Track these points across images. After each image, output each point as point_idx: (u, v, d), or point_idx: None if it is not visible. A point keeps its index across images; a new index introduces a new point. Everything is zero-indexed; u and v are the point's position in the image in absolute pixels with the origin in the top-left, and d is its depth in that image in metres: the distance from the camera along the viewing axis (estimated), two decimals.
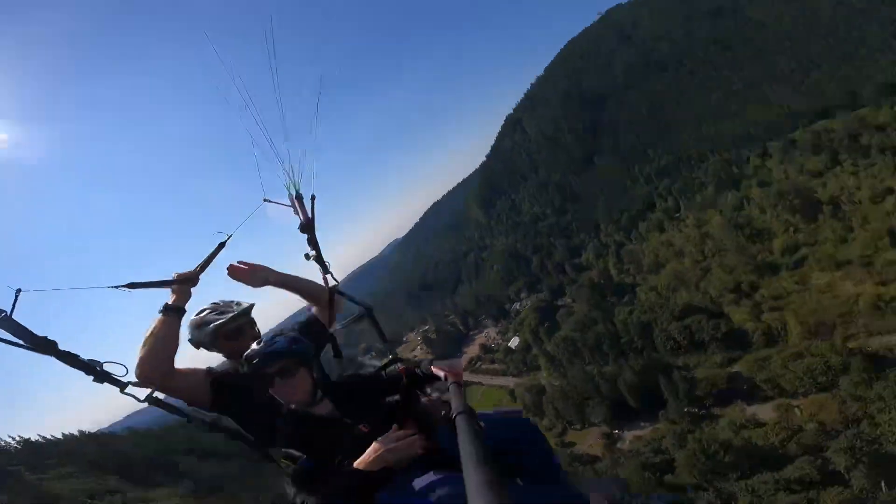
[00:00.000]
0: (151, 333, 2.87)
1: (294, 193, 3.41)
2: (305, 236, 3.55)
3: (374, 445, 2.28)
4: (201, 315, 3.44)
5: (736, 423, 55.87)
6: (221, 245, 3.34)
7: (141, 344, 2.86)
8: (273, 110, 3.30)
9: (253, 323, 3.58)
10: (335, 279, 3.80)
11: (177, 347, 3.00)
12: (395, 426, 2.48)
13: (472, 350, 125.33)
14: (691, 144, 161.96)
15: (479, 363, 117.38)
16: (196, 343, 3.43)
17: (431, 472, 2.21)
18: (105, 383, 2.68)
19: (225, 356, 3.48)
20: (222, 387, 3.21)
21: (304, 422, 2.65)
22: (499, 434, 2.57)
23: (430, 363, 2.83)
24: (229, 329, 3.42)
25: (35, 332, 2.44)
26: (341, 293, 3.87)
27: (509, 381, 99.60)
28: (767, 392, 58.86)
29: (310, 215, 4.02)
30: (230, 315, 3.41)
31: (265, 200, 3.45)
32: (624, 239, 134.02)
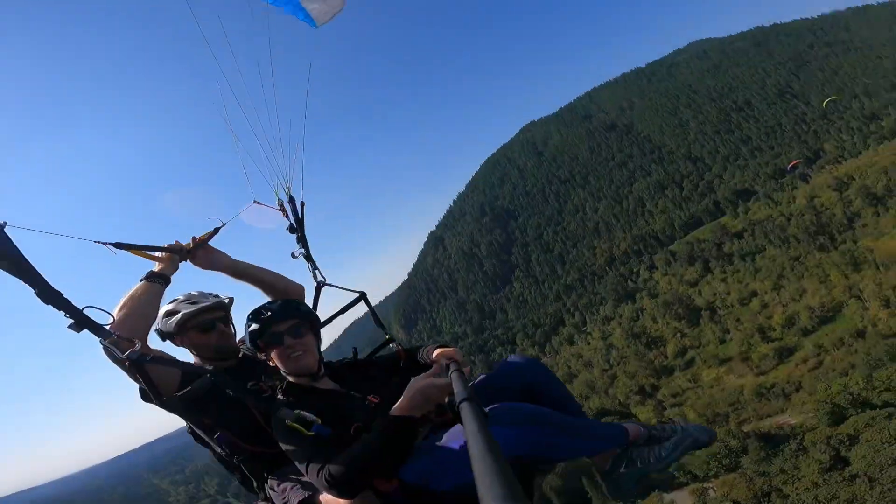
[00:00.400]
0: (131, 297, 2.78)
1: (287, 197, 3.76)
2: (290, 243, 3.95)
3: (411, 385, 2.22)
4: (173, 303, 3.25)
5: None
6: (216, 230, 3.46)
7: (118, 306, 2.73)
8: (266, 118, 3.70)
9: (228, 319, 3.40)
10: (322, 275, 3.88)
11: (155, 317, 2.95)
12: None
13: None
14: (593, 260, 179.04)
15: None
16: (163, 333, 3.21)
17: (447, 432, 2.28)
18: (84, 330, 2.43)
19: (193, 351, 3.27)
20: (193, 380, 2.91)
21: (310, 394, 2.62)
22: (519, 378, 2.66)
23: (433, 349, 2.81)
24: (201, 321, 3.22)
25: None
26: (331, 284, 3.93)
27: None
28: (681, 479, 61.97)
29: (299, 216, 4.26)
30: (202, 305, 3.21)
31: (255, 203, 3.69)
32: (539, 353, 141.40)
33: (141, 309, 2.77)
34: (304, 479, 2.51)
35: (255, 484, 3.09)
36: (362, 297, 3.83)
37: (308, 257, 3.97)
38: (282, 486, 2.85)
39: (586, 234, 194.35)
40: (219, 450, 3.07)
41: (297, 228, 3.97)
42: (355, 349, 3.34)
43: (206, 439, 3.07)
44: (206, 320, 3.21)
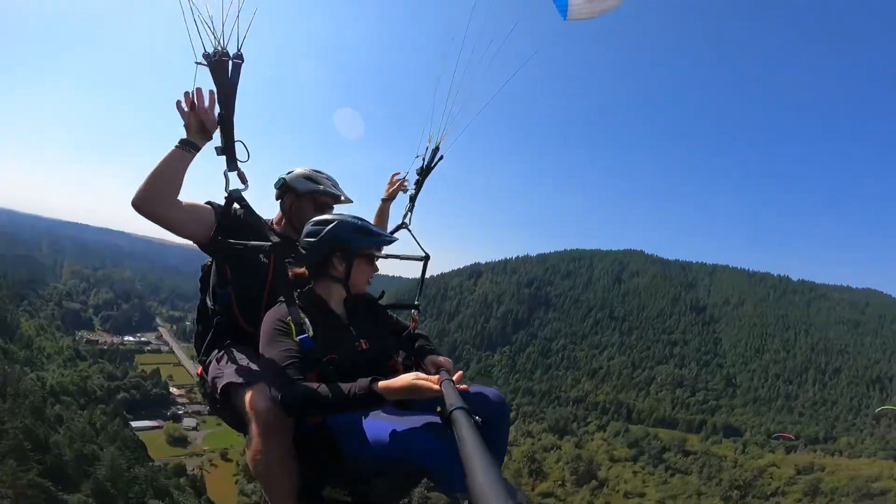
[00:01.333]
0: (165, 161, 2.63)
1: (434, 145, 3.17)
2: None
3: (407, 377, 2.15)
4: (321, 174, 3.33)
5: None
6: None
7: (150, 173, 2.60)
8: None
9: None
10: (409, 220, 3.89)
11: (179, 186, 2.71)
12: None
13: None
14: (566, 386, 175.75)
15: None
16: (287, 185, 3.26)
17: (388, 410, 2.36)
18: (222, 156, 2.78)
19: (288, 214, 3.32)
20: (233, 220, 2.94)
21: (320, 307, 2.64)
22: (486, 411, 2.52)
23: (431, 353, 2.83)
24: (324, 201, 3.30)
25: None
26: (410, 232, 4.02)
27: None
28: None
29: (432, 164, 4.10)
30: (335, 192, 3.32)
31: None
32: None
33: (170, 175, 2.65)
34: (243, 364, 2.74)
35: (204, 344, 3.10)
36: (426, 259, 3.83)
37: (413, 199, 4.14)
38: (223, 362, 2.85)
39: (584, 366, 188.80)
40: (210, 302, 3.07)
41: (424, 173, 4.15)
42: (383, 292, 3.35)
43: (210, 286, 3.08)
44: (327, 202, 3.32)
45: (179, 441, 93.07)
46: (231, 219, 2.92)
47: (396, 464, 2.18)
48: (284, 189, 3.29)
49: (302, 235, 2.69)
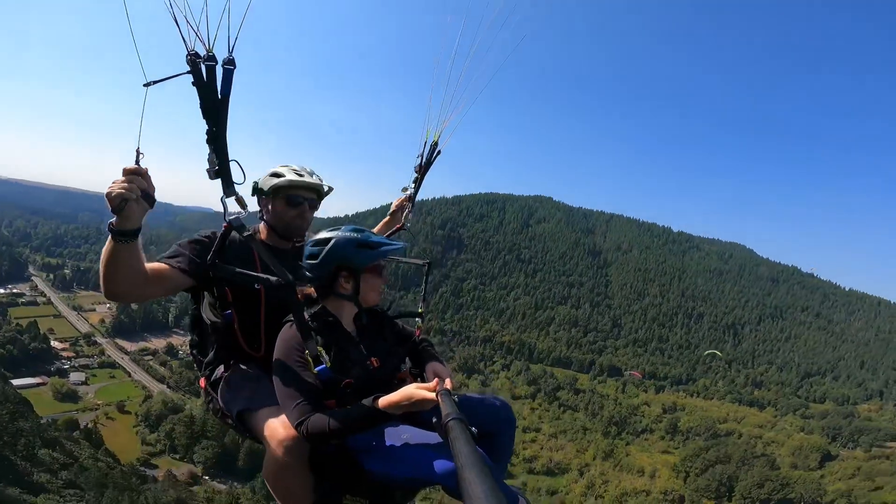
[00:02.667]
0: (110, 259, 2.30)
1: (433, 139, 2.71)
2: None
3: (407, 389, 2.17)
4: (285, 167, 3.06)
5: None
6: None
7: (102, 268, 2.33)
8: None
9: (316, 206, 3.16)
10: (409, 221, 3.81)
11: (141, 268, 2.43)
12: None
13: (159, 342, 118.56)
14: (477, 328, 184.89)
15: (150, 357, 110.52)
16: (257, 188, 3.01)
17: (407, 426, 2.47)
18: (217, 179, 2.44)
19: (265, 217, 3.10)
20: (233, 247, 2.83)
21: (332, 327, 2.60)
22: (491, 418, 2.63)
23: (431, 357, 2.84)
24: (295, 194, 3.02)
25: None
26: (409, 232, 4.00)
27: (154, 386, 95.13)
28: None
29: (430, 160, 3.94)
30: (304, 180, 3.00)
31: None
32: None
33: (122, 269, 2.37)
34: (255, 389, 2.70)
35: (209, 357, 3.01)
36: (427, 265, 3.70)
37: (412, 199, 4.05)
38: (234, 383, 2.83)
39: (492, 307, 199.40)
40: (213, 318, 2.90)
41: (422, 170, 4.00)
42: (390, 303, 3.26)
43: (208, 306, 2.92)
44: (299, 195, 3.04)
45: (68, 397, 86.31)
46: (229, 249, 2.79)
47: (413, 481, 2.27)
48: (259, 195, 3.06)
49: (303, 257, 2.66)
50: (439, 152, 3.92)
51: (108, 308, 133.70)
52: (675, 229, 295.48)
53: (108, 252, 2.28)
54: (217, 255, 2.64)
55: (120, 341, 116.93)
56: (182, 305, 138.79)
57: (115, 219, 2.18)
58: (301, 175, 3.02)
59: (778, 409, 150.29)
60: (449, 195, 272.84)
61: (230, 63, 2.27)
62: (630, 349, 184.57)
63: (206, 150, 2.39)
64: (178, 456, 73.11)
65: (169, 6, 2.13)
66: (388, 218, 4.21)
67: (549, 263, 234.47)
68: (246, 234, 2.64)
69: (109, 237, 2.24)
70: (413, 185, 4.05)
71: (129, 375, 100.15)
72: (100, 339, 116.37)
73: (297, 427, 2.26)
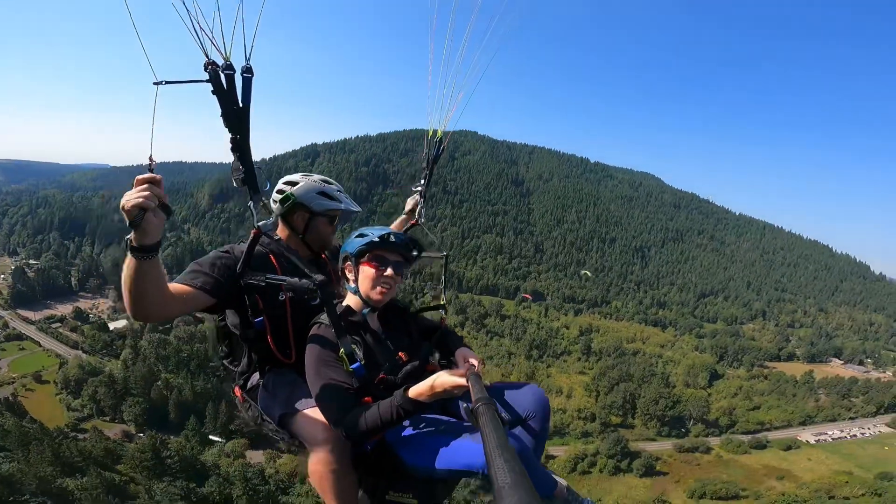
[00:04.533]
0: (130, 278, 2.15)
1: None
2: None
3: (438, 376, 2.17)
4: (331, 185, 3.07)
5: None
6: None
7: (124, 289, 2.19)
8: None
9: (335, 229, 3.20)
10: (423, 216, 3.65)
11: (164, 285, 2.30)
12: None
13: (65, 308, 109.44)
14: None
15: (58, 324, 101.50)
16: (294, 199, 2.95)
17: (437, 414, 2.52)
18: (244, 186, 2.39)
19: (294, 228, 3.04)
20: (259, 256, 2.77)
21: (358, 326, 2.58)
22: (527, 405, 2.58)
23: (459, 345, 2.85)
24: (335, 215, 3.10)
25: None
26: (423, 227, 3.97)
27: (69, 352, 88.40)
28: None
29: (437, 154, 3.84)
30: (354, 208, 3.11)
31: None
32: None
33: (144, 288, 2.17)
34: (293, 393, 2.69)
35: (242, 367, 2.91)
36: (445, 258, 3.54)
37: (423, 194, 3.94)
38: (271, 389, 2.78)
39: (422, 241, 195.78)
40: (240, 328, 2.77)
41: (431, 165, 3.91)
42: (411, 301, 2.52)
43: (235, 318, 2.78)
44: (337, 216, 3.12)
45: None
46: (255, 256, 2.68)
47: (454, 472, 2.26)
48: (293, 206, 2.99)
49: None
50: (444, 147, 3.88)
51: (2, 277, 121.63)
52: (591, 160, 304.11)
53: (131, 271, 2.09)
54: (246, 264, 2.59)
55: (22, 311, 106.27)
56: (84, 267, 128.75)
57: (132, 234, 2.01)
58: (344, 199, 3.09)
59: (678, 328, 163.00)
60: (373, 133, 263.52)
61: (248, 71, 2.18)
62: (552, 273, 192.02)
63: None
64: (107, 418, 69.49)
65: (186, 16, 1.98)
66: (404, 216, 4.12)
67: (474, 194, 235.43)
68: (276, 238, 2.84)
69: (129, 255, 2.07)
70: (423, 182, 3.96)
71: (40, 345, 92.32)
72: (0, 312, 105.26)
73: (337, 426, 2.27)
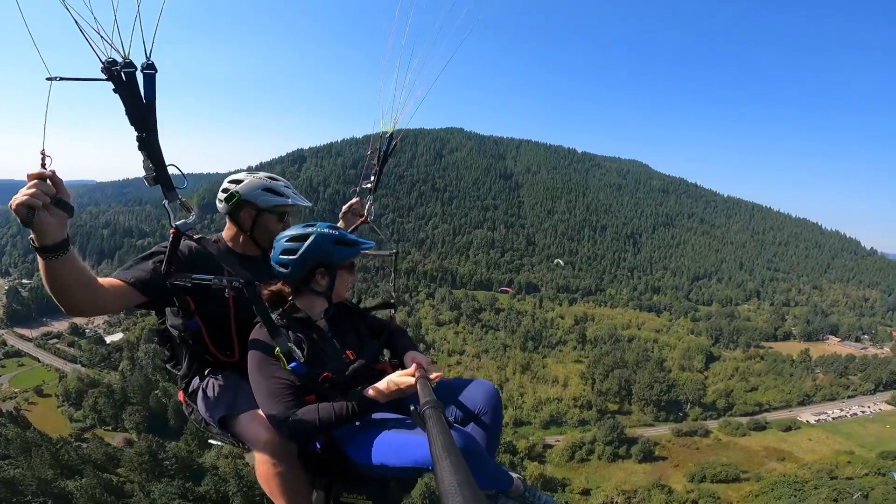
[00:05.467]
0: (47, 278, 2.08)
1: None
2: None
3: (390, 378, 2.22)
4: (278, 181, 2.98)
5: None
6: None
7: (47, 287, 2.13)
8: None
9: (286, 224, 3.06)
10: (372, 213, 3.51)
11: (89, 283, 2.21)
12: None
13: (61, 325, 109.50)
14: (399, 260, 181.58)
15: (55, 340, 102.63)
16: (240, 197, 2.84)
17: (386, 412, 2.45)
18: (156, 185, 2.21)
19: (240, 225, 2.94)
20: (188, 255, 2.66)
21: (303, 324, 2.51)
22: (477, 401, 2.58)
23: (409, 347, 2.74)
24: (284, 211, 2.98)
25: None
26: (373, 226, 3.84)
27: (67, 366, 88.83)
28: None
29: (388, 150, 3.70)
30: (298, 202, 3.00)
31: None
32: None
33: (65, 284, 2.13)
34: (233, 394, 2.65)
35: (183, 370, 2.85)
36: (395, 255, 3.56)
37: (373, 191, 3.84)
38: (211, 392, 2.74)
39: (413, 238, 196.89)
40: (178, 331, 2.72)
41: (381, 162, 3.80)
42: (360, 297, 3.11)
43: (172, 317, 2.74)
44: (286, 212, 3.03)
45: None
46: (186, 256, 2.68)
47: (405, 470, 2.23)
48: (239, 203, 2.92)
49: (275, 252, 2.54)
50: (396, 144, 3.71)
51: None
52: (579, 150, 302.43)
53: (43, 272, 2.05)
54: (170, 264, 2.45)
55: (19, 329, 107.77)
56: None
57: (32, 234, 1.94)
58: (298, 195, 3.05)
59: (672, 313, 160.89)
60: (359, 135, 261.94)
61: (150, 67, 2.07)
62: (544, 265, 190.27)
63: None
64: (109, 427, 70.43)
65: (73, 18, 1.85)
66: (340, 222, 3.92)
67: (463, 190, 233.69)
68: (197, 237, 2.68)
69: (40, 260, 2.00)
70: (372, 178, 3.83)
71: (39, 361, 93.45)
72: None
73: (279, 426, 2.22)
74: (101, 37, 1.89)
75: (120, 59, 1.97)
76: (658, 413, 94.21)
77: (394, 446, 2.19)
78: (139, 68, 2.03)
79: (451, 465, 1.11)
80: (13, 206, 1.81)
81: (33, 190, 1.82)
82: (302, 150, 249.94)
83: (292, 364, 2.24)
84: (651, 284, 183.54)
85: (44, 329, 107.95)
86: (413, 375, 2.15)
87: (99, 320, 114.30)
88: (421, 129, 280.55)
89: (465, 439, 2.15)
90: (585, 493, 68.84)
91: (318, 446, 2.41)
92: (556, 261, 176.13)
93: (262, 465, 2.40)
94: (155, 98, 2.09)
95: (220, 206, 2.94)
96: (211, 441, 64.07)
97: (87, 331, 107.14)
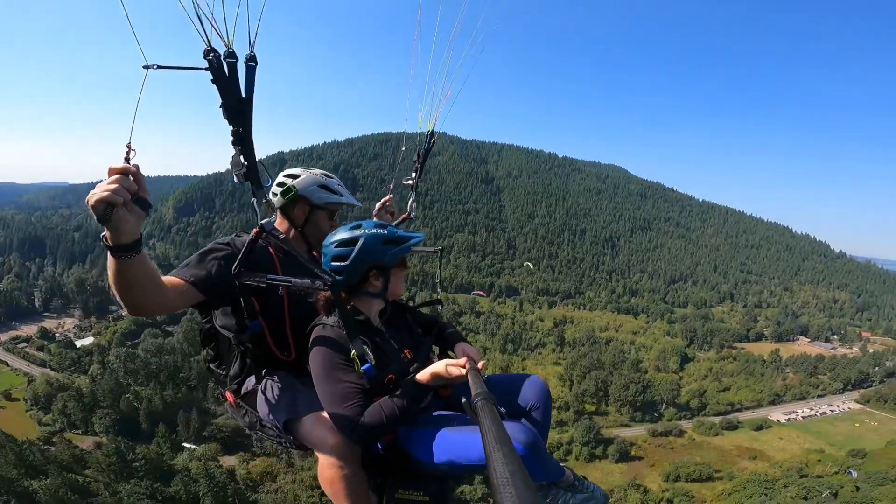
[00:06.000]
0: (115, 276, 1.99)
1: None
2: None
3: (438, 364, 2.23)
4: (332, 179, 2.99)
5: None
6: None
7: (112, 286, 2.04)
8: None
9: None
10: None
11: (158, 280, 2.17)
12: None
13: (30, 329, 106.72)
14: None
15: (24, 344, 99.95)
16: (296, 192, 2.83)
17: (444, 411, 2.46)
18: (246, 182, 2.14)
19: (294, 222, 2.92)
20: (261, 253, 2.60)
21: (364, 326, 2.48)
22: (530, 396, 2.60)
23: (459, 342, 2.72)
24: (336, 209, 3.02)
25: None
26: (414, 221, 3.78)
27: (36, 371, 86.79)
28: None
29: (428, 147, 3.69)
30: (355, 202, 3.06)
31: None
32: None
33: (133, 283, 2.04)
34: (289, 394, 2.59)
35: (235, 370, 2.74)
36: (440, 252, 3.52)
37: (415, 188, 3.82)
38: (270, 394, 2.63)
39: None
40: (230, 331, 2.61)
41: (422, 159, 3.81)
42: (411, 296, 2.64)
43: (222, 316, 2.64)
44: (337, 210, 3.07)
45: None
46: (259, 252, 2.59)
47: (464, 468, 2.25)
48: (294, 198, 2.90)
49: (326, 260, 2.50)
50: (434, 141, 3.75)
51: None
52: (559, 155, 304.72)
53: (112, 270, 1.95)
54: (244, 264, 2.39)
55: None
56: (47, 288, 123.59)
57: (106, 231, 1.82)
58: (345, 193, 3.06)
59: (650, 315, 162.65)
60: (340, 138, 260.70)
61: (252, 60, 1.99)
62: (525, 268, 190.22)
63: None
64: (79, 431, 69.26)
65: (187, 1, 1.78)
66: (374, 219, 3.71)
67: (444, 194, 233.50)
68: (282, 236, 2.71)
69: (108, 254, 1.90)
70: (413, 175, 3.84)
71: (7, 365, 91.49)
72: None
73: (350, 428, 2.23)
74: (209, 21, 1.79)
75: (223, 48, 1.87)
76: (634, 413, 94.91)
77: (458, 444, 2.19)
78: (242, 59, 1.94)
79: (503, 455, 1.10)
80: (91, 202, 1.70)
81: (115, 185, 1.71)
82: (283, 152, 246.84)
83: (364, 366, 2.24)
84: (629, 287, 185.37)
85: (13, 333, 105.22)
86: (464, 367, 2.14)
87: (69, 325, 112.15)
88: (402, 132, 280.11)
89: (521, 430, 2.15)
90: None
91: (380, 447, 2.41)
92: (525, 263, 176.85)
93: (328, 469, 2.38)
94: (253, 92, 2.00)
95: (273, 199, 2.89)
96: (185, 444, 63.70)
97: (58, 335, 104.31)
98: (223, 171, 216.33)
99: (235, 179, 2.17)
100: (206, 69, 1.89)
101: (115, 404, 69.13)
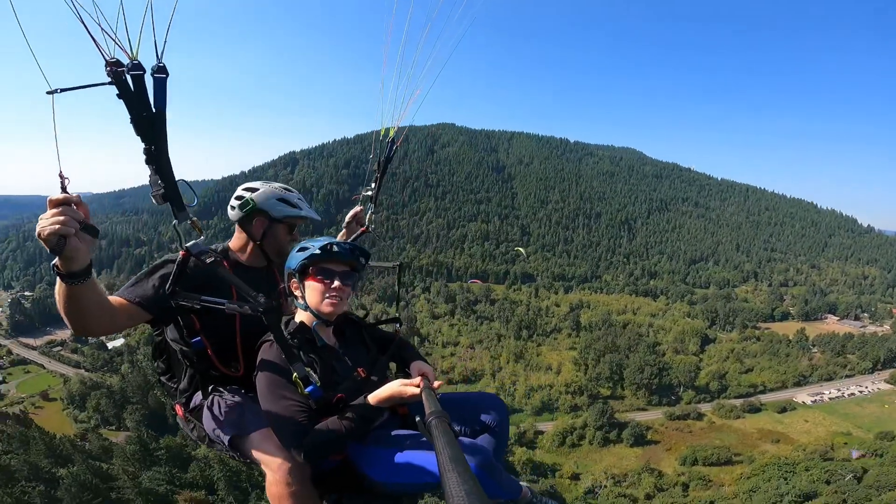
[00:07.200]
0: (63, 300, 2.00)
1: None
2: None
3: (392, 385, 2.17)
4: (291, 193, 2.92)
5: None
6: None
7: (60, 309, 2.05)
8: None
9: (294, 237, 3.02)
10: (372, 222, 3.29)
11: (106, 303, 2.16)
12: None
13: (64, 333, 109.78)
14: (396, 255, 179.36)
15: (59, 347, 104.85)
16: (254, 205, 2.76)
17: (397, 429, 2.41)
18: (166, 204, 2.02)
19: (249, 234, 2.85)
20: (195, 273, 2.44)
21: (311, 344, 2.43)
22: (484, 413, 2.59)
23: (415, 358, 2.69)
24: (295, 223, 2.94)
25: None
26: (374, 235, 3.67)
27: (71, 372, 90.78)
28: None
29: (390, 155, 3.56)
30: (310, 215, 2.95)
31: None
32: None
33: (81, 309, 2.05)
34: (236, 410, 2.54)
35: (183, 385, 2.75)
36: (399, 268, 3.41)
37: (374, 199, 3.69)
38: (217, 409, 2.60)
39: (408, 235, 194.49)
40: (179, 345, 2.59)
41: (382, 168, 3.70)
42: (367, 312, 3.05)
43: (175, 334, 2.59)
44: (296, 224, 2.98)
45: None
46: (192, 272, 2.42)
47: (416, 486, 2.19)
48: (252, 212, 2.80)
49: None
50: (397, 148, 3.68)
51: (0, 310, 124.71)
52: (571, 140, 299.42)
53: (63, 295, 1.94)
54: (176, 284, 2.33)
55: (23, 339, 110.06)
56: None
57: (57, 260, 1.80)
58: (304, 207, 2.98)
59: (669, 296, 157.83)
60: (350, 135, 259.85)
61: (161, 71, 1.84)
62: (540, 254, 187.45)
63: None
64: (112, 426, 71.45)
65: (73, 8, 1.62)
66: (343, 231, 3.77)
67: (456, 184, 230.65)
68: (210, 260, 2.41)
69: (58, 280, 1.88)
70: (373, 186, 3.72)
71: (44, 367, 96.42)
72: (1, 341, 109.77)
73: (297, 450, 2.18)
74: (104, 32, 1.63)
75: (126, 60, 1.73)
76: (650, 397, 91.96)
77: (413, 464, 2.16)
78: (148, 71, 1.78)
79: (458, 475, 1.08)
80: (43, 235, 1.66)
81: (63, 217, 1.66)
82: (294, 152, 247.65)
83: (309, 388, 2.18)
84: (647, 269, 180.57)
85: (48, 338, 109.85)
86: (418, 386, 2.09)
87: None
88: (412, 125, 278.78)
89: (475, 449, 2.14)
90: (575, 477, 67.32)
91: (332, 465, 2.36)
92: (516, 248, 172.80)
93: (275, 486, 2.32)
94: (165, 105, 1.83)
95: (231, 212, 2.84)
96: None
97: (91, 338, 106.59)
98: (237, 173, 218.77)
99: (154, 201, 2.02)
100: (109, 83, 1.73)
101: (144, 399, 71.64)
